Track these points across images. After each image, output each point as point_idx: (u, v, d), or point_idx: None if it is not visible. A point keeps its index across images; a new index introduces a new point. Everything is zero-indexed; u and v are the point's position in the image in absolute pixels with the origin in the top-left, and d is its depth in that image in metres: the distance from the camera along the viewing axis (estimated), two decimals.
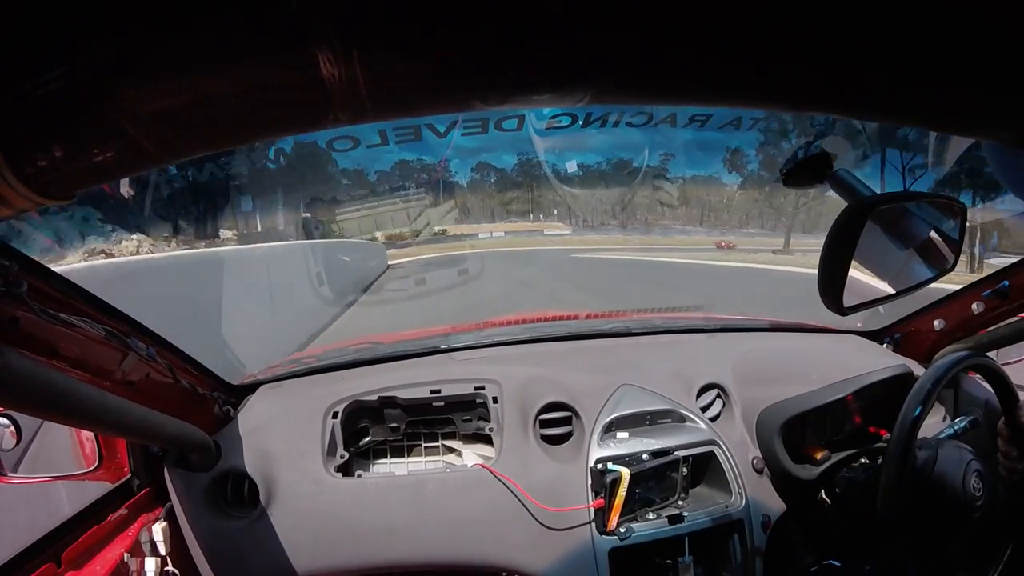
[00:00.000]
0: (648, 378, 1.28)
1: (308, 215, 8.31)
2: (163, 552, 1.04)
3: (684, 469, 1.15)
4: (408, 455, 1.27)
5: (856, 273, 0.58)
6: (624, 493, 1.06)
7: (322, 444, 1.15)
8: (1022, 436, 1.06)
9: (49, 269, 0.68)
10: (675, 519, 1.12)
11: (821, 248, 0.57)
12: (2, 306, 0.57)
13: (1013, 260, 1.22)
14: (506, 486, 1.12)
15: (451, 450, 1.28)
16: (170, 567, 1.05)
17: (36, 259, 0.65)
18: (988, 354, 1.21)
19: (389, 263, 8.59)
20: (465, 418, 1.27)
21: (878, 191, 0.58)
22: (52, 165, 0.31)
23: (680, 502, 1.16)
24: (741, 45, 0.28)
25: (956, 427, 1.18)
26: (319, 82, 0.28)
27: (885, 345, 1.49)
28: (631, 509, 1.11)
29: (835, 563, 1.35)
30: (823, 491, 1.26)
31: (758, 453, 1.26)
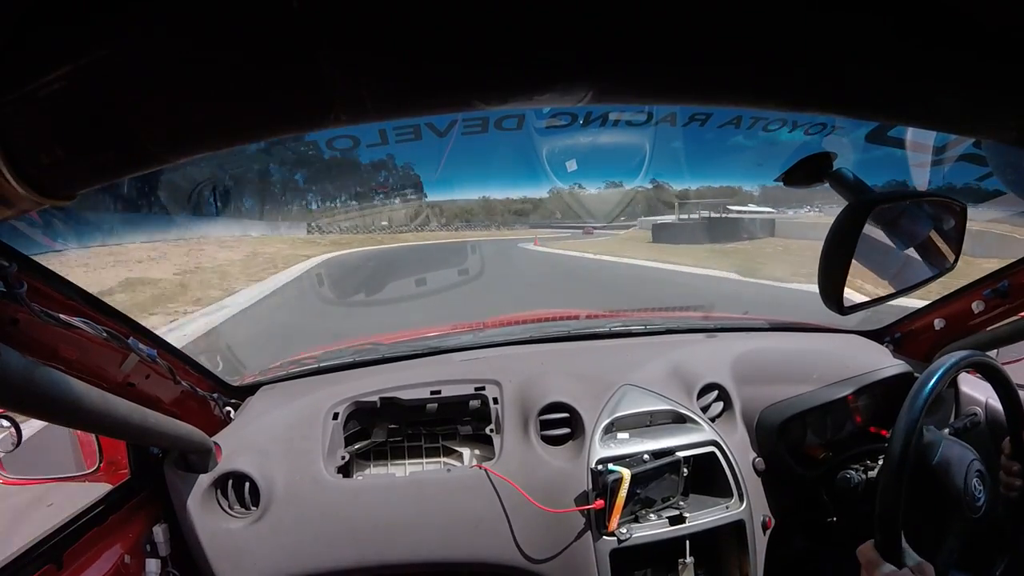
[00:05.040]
0: (648, 378, 1.28)
1: None
2: (164, 553, 1.04)
3: (685, 470, 1.15)
4: (408, 456, 1.27)
5: (855, 272, 0.58)
6: (625, 494, 1.06)
7: (322, 445, 1.15)
8: None
9: (49, 270, 0.68)
10: (676, 520, 1.12)
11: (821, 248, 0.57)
12: (2, 307, 0.57)
13: None
14: (506, 487, 1.12)
15: (451, 451, 1.28)
16: (171, 568, 1.05)
17: (37, 260, 0.65)
18: (988, 353, 1.21)
19: None
20: (465, 419, 1.27)
21: (878, 190, 0.58)
22: (54, 165, 0.31)
23: (681, 503, 1.15)
24: (741, 44, 0.28)
25: (956, 426, 1.18)
26: (321, 82, 0.28)
27: (885, 345, 1.48)
28: (632, 510, 1.11)
29: (835, 563, 1.35)
30: (823, 491, 1.25)
31: (759, 453, 1.26)
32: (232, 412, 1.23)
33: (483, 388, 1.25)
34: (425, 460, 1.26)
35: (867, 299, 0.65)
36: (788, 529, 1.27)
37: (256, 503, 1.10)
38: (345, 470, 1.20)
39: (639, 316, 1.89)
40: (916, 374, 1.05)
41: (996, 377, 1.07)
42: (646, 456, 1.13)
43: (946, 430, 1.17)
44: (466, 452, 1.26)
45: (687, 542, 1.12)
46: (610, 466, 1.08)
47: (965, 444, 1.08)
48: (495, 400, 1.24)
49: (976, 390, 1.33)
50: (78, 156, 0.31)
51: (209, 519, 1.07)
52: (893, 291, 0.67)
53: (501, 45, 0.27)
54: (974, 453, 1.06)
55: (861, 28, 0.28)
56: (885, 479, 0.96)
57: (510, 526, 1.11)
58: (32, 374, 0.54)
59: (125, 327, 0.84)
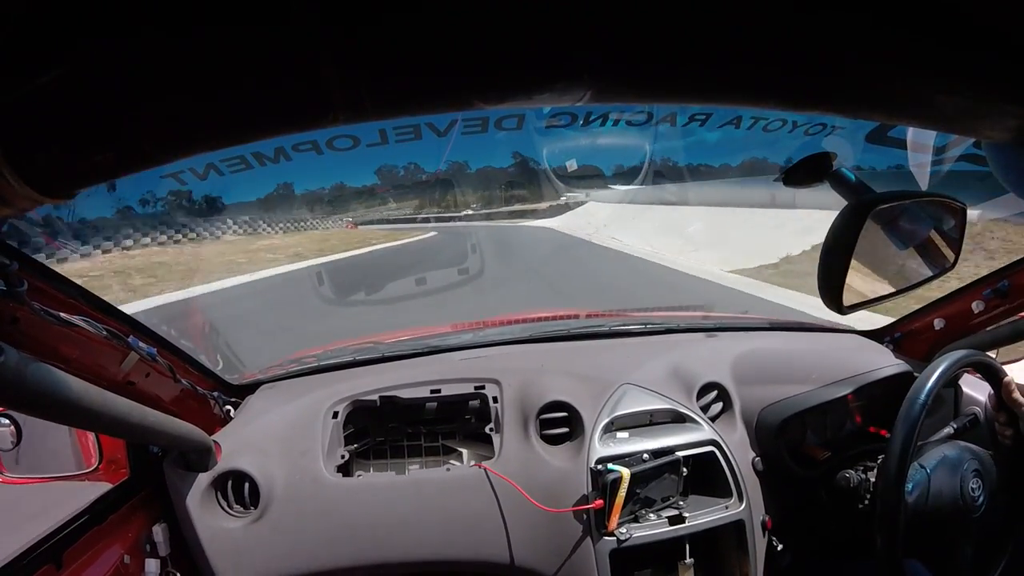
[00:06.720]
0: (648, 378, 1.28)
1: None
2: (163, 553, 1.04)
3: (684, 469, 1.15)
4: (408, 455, 1.27)
5: (855, 272, 0.58)
6: (624, 493, 1.06)
7: (322, 444, 1.15)
8: (1009, 403, 1.07)
9: (50, 269, 0.68)
10: (675, 520, 1.12)
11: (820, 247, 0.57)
12: (2, 306, 0.57)
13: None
14: (506, 487, 1.12)
15: (451, 450, 1.28)
16: (171, 568, 1.05)
17: (37, 259, 0.65)
18: (988, 353, 1.21)
19: None
20: (465, 418, 1.27)
21: (878, 190, 0.58)
22: (53, 164, 0.31)
23: (680, 503, 1.15)
24: (741, 43, 0.28)
25: (956, 426, 1.19)
26: (319, 82, 0.28)
27: (885, 345, 1.48)
28: (631, 510, 1.11)
29: (835, 564, 1.35)
30: (823, 491, 1.26)
31: (758, 453, 1.26)
32: (232, 411, 1.23)
33: (483, 387, 1.25)
34: (425, 459, 1.26)
35: (867, 299, 0.65)
36: (787, 529, 1.27)
37: (256, 502, 1.10)
38: (345, 469, 1.20)
39: (639, 316, 1.88)
40: (916, 374, 1.05)
41: (995, 376, 1.07)
42: (646, 455, 1.13)
43: (946, 430, 1.17)
44: (466, 451, 1.26)
45: (687, 542, 1.12)
46: (610, 465, 1.08)
47: (959, 444, 1.08)
48: (495, 399, 1.24)
49: (976, 390, 1.33)
50: (77, 156, 0.31)
51: (209, 518, 1.08)
52: (893, 291, 0.67)
53: (500, 45, 0.27)
54: (968, 452, 1.06)
55: (861, 28, 0.28)
56: (885, 479, 0.97)
57: (510, 526, 1.11)
58: (32, 372, 0.55)
59: (125, 325, 0.84)
